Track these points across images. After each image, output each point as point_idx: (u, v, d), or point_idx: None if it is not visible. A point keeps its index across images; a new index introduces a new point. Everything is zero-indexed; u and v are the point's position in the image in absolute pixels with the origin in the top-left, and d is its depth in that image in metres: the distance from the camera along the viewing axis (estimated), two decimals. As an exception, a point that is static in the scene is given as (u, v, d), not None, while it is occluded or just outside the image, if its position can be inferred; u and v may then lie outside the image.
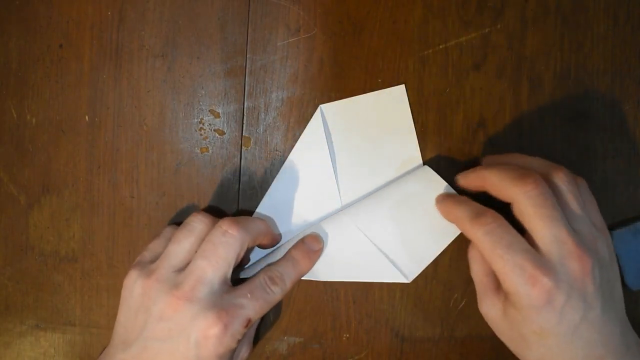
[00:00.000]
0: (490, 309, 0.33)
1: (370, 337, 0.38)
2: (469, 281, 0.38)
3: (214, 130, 0.38)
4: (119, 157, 0.38)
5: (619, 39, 0.38)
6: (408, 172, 0.37)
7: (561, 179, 0.33)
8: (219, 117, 0.38)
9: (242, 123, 0.38)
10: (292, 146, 0.38)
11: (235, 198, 0.38)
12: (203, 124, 0.38)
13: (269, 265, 0.35)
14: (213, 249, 0.32)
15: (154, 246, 0.35)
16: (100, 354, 0.34)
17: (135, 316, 0.32)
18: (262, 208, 0.37)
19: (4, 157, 0.39)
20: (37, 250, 0.39)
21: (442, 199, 0.36)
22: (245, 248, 0.33)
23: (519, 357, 0.33)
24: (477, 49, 0.38)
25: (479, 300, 0.34)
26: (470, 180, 0.35)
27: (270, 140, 0.38)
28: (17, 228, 0.39)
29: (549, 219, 0.31)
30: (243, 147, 0.38)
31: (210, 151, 0.38)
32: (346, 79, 0.38)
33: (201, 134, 0.38)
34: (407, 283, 0.37)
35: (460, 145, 0.38)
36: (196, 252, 0.33)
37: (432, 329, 0.38)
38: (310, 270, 0.36)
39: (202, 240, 0.33)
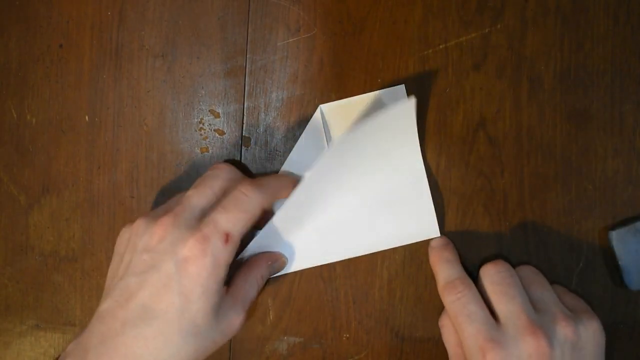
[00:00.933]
0: None
1: (370, 337, 0.38)
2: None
3: (214, 130, 0.38)
4: (119, 157, 0.38)
5: (619, 39, 0.38)
6: (406, 172, 0.38)
7: (525, 269, 0.36)
8: (219, 117, 0.38)
9: (242, 123, 0.38)
10: (292, 146, 0.38)
11: (235, 198, 0.38)
12: (203, 124, 0.38)
13: None
14: (201, 180, 0.33)
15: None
16: None
17: (121, 260, 0.32)
18: None
19: (4, 157, 0.39)
20: (37, 250, 0.39)
21: (433, 249, 0.37)
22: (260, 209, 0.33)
23: None
24: (477, 49, 0.38)
25: None
26: None
27: (270, 140, 0.38)
28: (17, 228, 0.39)
29: (505, 294, 0.33)
30: (243, 147, 0.38)
31: (210, 151, 0.38)
32: (346, 79, 0.38)
33: (201, 134, 0.38)
34: (408, 283, 0.37)
35: (460, 145, 0.38)
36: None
37: (432, 329, 0.38)
38: (332, 251, 0.37)
39: (217, 192, 0.33)
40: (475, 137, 0.38)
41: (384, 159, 0.37)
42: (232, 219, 0.31)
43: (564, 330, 0.32)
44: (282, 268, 0.37)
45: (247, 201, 0.32)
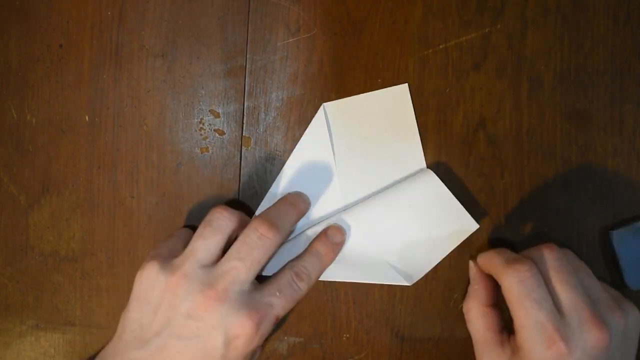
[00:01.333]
0: None
1: (370, 337, 0.38)
2: (469, 281, 0.38)
3: (214, 130, 0.38)
4: (119, 157, 0.38)
5: (619, 39, 0.38)
6: (411, 175, 0.37)
7: (569, 254, 0.34)
8: (219, 117, 0.38)
9: (242, 123, 0.38)
10: (293, 146, 0.38)
11: (236, 198, 0.38)
12: (203, 124, 0.38)
13: (293, 260, 0.35)
14: (249, 251, 0.32)
15: (169, 244, 0.35)
16: (102, 349, 0.34)
17: (155, 313, 0.32)
18: (264, 206, 0.37)
19: (4, 157, 0.39)
20: (37, 250, 0.39)
21: (486, 253, 0.35)
22: (278, 248, 0.34)
23: None
24: (477, 49, 0.38)
25: (478, 355, 0.34)
26: (481, 265, 0.36)
27: (270, 140, 0.38)
28: (17, 228, 0.39)
29: (567, 283, 0.32)
30: (243, 147, 0.38)
31: (210, 151, 0.38)
32: (346, 79, 0.38)
33: (201, 134, 0.38)
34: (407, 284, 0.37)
35: (460, 145, 0.38)
36: (228, 251, 0.33)
37: (432, 329, 0.38)
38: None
39: (228, 237, 0.33)
40: (475, 137, 0.38)
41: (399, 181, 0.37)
42: (285, 307, 0.33)
43: (618, 319, 0.32)
44: None
45: (300, 292, 0.33)
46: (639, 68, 0.38)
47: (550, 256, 0.33)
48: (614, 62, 0.38)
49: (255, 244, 0.32)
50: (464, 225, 0.36)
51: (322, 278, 0.36)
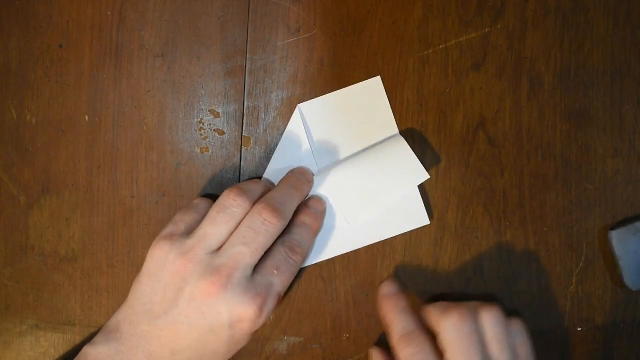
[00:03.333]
0: None
1: (370, 337, 0.38)
2: (469, 281, 0.38)
3: (214, 130, 0.38)
4: (119, 157, 0.38)
5: (619, 39, 0.38)
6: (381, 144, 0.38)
7: (489, 319, 0.32)
8: (219, 117, 0.38)
9: (242, 123, 0.38)
10: (292, 146, 0.38)
11: (235, 198, 0.38)
12: (203, 124, 0.38)
13: (283, 235, 0.35)
14: (254, 236, 0.32)
15: (186, 218, 0.35)
16: (113, 315, 0.35)
17: (165, 291, 0.33)
18: None
19: (4, 157, 0.39)
20: (37, 250, 0.39)
21: (385, 296, 0.35)
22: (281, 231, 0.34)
23: None
24: (477, 49, 0.38)
25: None
26: (425, 317, 0.35)
27: (270, 140, 0.38)
28: (17, 228, 0.39)
29: (466, 353, 0.31)
30: (243, 147, 0.38)
31: (210, 151, 0.38)
32: (346, 79, 0.38)
33: (201, 134, 0.38)
34: (407, 283, 0.37)
35: (460, 145, 0.38)
36: (234, 234, 0.33)
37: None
38: (328, 249, 0.37)
39: (239, 223, 0.33)
40: (475, 137, 0.38)
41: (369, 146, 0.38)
42: (285, 283, 0.34)
43: None
44: None
45: (297, 265, 0.34)
46: (639, 68, 0.38)
47: (457, 324, 0.32)
48: (614, 62, 0.38)
49: (260, 229, 0.33)
50: (415, 173, 0.36)
51: (311, 262, 0.37)
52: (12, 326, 0.39)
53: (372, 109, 0.38)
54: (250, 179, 0.38)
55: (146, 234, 0.38)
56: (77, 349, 0.38)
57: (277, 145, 0.38)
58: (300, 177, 0.36)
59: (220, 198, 0.34)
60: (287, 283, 0.34)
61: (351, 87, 0.38)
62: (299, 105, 0.38)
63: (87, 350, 0.34)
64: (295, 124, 0.38)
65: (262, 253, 0.33)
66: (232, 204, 0.34)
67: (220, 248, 0.33)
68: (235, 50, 0.38)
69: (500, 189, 0.38)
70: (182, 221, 0.35)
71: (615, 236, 0.36)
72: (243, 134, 0.38)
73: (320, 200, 0.37)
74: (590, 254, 0.38)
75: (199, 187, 0.38)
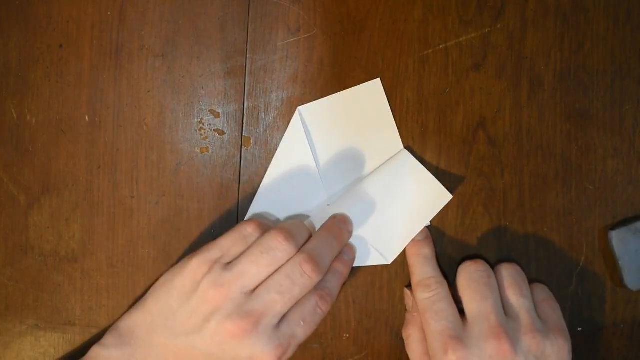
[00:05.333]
0: None
1: (370, 337, 0.38)
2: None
3: (214, 130, 0.38)
4: (119, 157, 0.38)
5: (619, 39, 0.38)
6: (389, 159, 0.38)
7: (507, 269, 0.35)
8: (219, 117, 0.38)
9: (242, 123, 0.38)
10: (292, 146, 0.38)
11: (235, 198, 0.38)
12: (203, 124, 0.38)
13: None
14: (290, 286, 0.32)
15: (233, 250, 0.34)
16: (126, 313, 0.35)
17: (191, 315, 0.32)
18: (251, 213, 0.38)
19: (4, 157, 0.39)
20: (37, 250, 0.39)
21: (413, 246, 0.37)
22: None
23: None
24: (477, 49, 0.38)
25: None
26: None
27: (270, 140, 0.38)
28: (17, 228, 0.39)
29: (478, 294, 0.33)
30: (243, 147, 0.38)
31: (210, 151, 0.38)
32: (346, 79, 0.38)
33: (201, 134, 0.38)
34: (406, 283, 0.37)
35: (460, 145, 0.38)
36: (269, 279, 0.32)
37: (432, 329, 0.38)
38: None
39: (279, 267, 0.33)
40: (475, 137, 0.38)
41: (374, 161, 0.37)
42: (308, 333, 0.33)
43: (529, 341, 0.32)
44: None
45: (323, 315, 0.34)
46: (639, 68, 0.38)
47: (472, 268, 0.35)
48: (614, 62, 0.38)
49: (298, 280, 0.32)
50: (438, 196, 0.37)
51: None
52: (12, 326, 0.39)
53: (372, 111, 0.38)
54: (292, 221, 0.36)
55: (146, 234, 0.38)
56: (77, 349, 0.38)
57: (277, 145, 0.38)
58: (343, 227, 0.36)
59: (268, 237, 0.33)
60: (310, 333, 0.33)
61: (351, 90, 0.38)
62: (298, 107, 0.38)
63: (98, 351, 0.33)
64: (295, 127, 0.38)
65: (294, 303, 0.32)
66: (277, 247, 0.33)
67: (255, 289, 0.32)
68: (235, 50, 0.38)
69: (500, 189, 0.38)
70: (228, 251, 0.34)
71: (615, 236, 0.36)
72: (243, 134, 0.38)
73: (352, 247, 0.37)
74: (590, 254, 0.38)
75: (199, 187, 0.38)
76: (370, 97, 0.38)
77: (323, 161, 0.38)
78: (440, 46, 0.38)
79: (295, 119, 0.38)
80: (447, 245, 0.38)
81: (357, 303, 0.38)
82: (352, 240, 0.37)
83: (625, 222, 0.37)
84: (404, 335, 0.37)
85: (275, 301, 0.32)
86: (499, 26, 0.38)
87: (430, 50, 0.38)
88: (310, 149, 0.37)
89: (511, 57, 0.38)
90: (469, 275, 0.34)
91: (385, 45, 0.38)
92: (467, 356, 0.31)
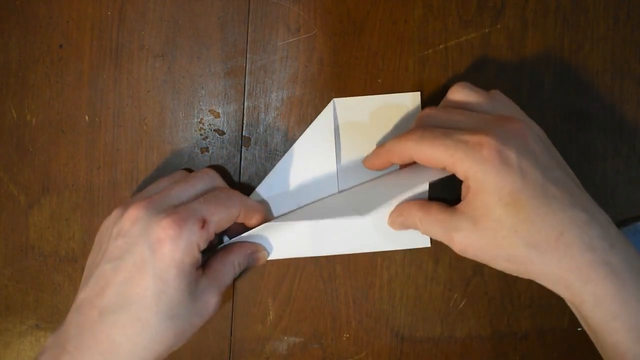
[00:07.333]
0: (464, 235, 0.31)
1: (370, 337, 0.38)
2: (469, 281, 0.38)
3: (214, 130, 0.38)
4: (119, 157, 0.38)
5: (619, 39, 0.38)
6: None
7: (453, 95, 0.34)
8: (219, 117, 0.38)
9: (242, 123, 0.38)
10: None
11: (235, 198, 0.38)
12: (203, 124, 0.38)
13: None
14: (185, 179, 0.34)
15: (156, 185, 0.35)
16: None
17: (99, 249, 0.32)
18: (261, 189, 0.37)
19: (4, 157, 0.39)
20: (37, 250, 0.39)
21: (375, 152, 0.35)
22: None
23: (520, 269, 0.30)
24: (477, 49, 0.38)
25: (451, 242, 0.32)
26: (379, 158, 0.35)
27: (270, 140, 0.38)
28: (17, 228, 0.39)
29: (441, 144, 0.30)
30: (243, 147, 0.38)
31: (210, 151, 0.38)
32: (346, 79, 0.38)
33: (201, 134, 0.38)
34: (408, 283, 0.37)
35: (460, 145, 0.38)
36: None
37: (432, 329, 0.38)
38: (308, 246, 0.37)
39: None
40: (475, 137, 0.38)
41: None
42: (211, 209, 0.31)
43: (526, 123, 0.32)
44: (260, 262, 0.36)
45: (227, 198, 0.32)
46: (639, 68, 0.38)
47: (453, 95, 0.33)
48: (614, 62, 0.38)
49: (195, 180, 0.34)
50: (418, 239, 0.37)
51: (319, 253, 0.37)
52: (12, 326, 0.39)
53: (404, 121, 0.37)
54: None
55: (146, 234, 0.38)
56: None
57: (277, 145, 0.38)
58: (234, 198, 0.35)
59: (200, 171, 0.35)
60: (215, 212, 0.31)
61: (389, 95, 0.38)
62: (334, 99, 0.38)
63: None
64: (325, 116, 0.38)
65: (198, 196, 0.32)
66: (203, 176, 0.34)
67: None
68: (235, 50, 0.38)
69: (500, 189, 0.38)
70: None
71: (615, 236, 0.36)
72: (243, 134, 0.38)
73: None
74: (590, 254, 0.37)
75: (199, 187, 0.38)
76: (406, 107, 0.38)
77: (344, 157, 0.38)
78: (440, 46, 0.38)
79: (328, 109, 0.38)
80: (447, 246, 0.38)
81: (357, 303, 0.38)
82: (360, 227, 0.37)
83: (625, 222, 0.37)
84: (418, 226, 0.33)
85: (169, 187, 0.32)
86: (499, 26, 0.38)
87: (430, 50, 0.38)
88: (335, 141, 0.37)
89: (511, 57, 0.38)
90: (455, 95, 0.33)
91: (385, 45, 0.38)
92: (502, 141, 0.29)
